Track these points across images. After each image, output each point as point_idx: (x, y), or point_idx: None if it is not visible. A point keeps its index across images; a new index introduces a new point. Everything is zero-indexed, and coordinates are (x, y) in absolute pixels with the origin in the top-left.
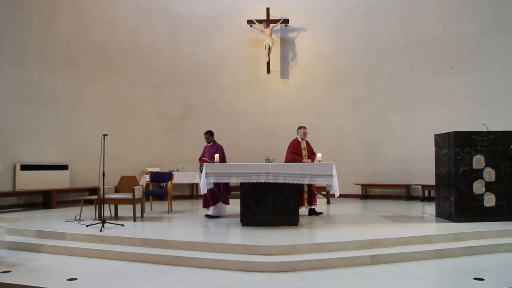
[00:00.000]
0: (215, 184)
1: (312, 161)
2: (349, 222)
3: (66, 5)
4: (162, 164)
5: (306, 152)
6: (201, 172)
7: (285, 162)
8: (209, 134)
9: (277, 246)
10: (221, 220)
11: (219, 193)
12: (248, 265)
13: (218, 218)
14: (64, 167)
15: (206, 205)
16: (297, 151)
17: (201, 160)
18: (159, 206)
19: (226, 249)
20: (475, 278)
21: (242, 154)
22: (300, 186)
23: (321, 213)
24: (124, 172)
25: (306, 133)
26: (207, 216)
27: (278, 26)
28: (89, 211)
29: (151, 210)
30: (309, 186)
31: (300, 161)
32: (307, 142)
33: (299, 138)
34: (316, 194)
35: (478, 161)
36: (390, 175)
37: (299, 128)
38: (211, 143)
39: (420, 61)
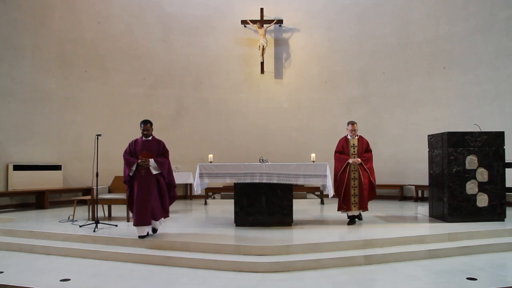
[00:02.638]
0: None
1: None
2: (343, 222)
3: (59, 4)
4: None
5: (356, 150)
6: (128, 176)
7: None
8: (150, 125)
9: (271, 246)
10: (215, 220)
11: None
12: (241, 265)
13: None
14: (57, 167)
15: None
16: (343, 150)
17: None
18: None
19: (220, 250)
20: (468, 278)
21: (235, 155)
22: (345, 184)
23: (361, 218)
24: (117, 172)
25: (355, 129)
26: (141, 237)
27: (272, 26)
28: (82, 212)
29: None
30: (363, 183)
31: (346, 160)
32: (360, 140)
33: (348, 136)
34: (371, 195)
35: (471, 161)
36: (384, 175)
37: (347, 124)
38: (149, 137)
39: (413, 62)
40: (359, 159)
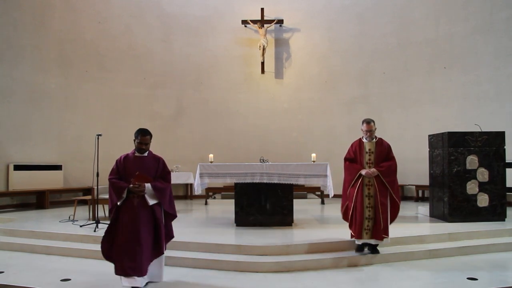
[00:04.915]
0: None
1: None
2: (343, 222)
3: (59, 4)
4: None
5: (372, 157)
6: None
7: None
8: (150, 137)
9: (271, 246)
10: (215, 220)
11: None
12: (242, 265)
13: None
14: (57, 167)
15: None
16: (355, 157)
17: (135, 178)
18: None
19: (220, 249)
20: (468, 278)
21: (235, 155)
22: (354, 203)
23: (376, 250)
24: None
25: (371, 130)
26: None
27: (272, 26)
28: (82, 212)
29: None
30: (379, 203)
31: (358, 170)
32: (379, 144)
33: (363, 138)
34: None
35: (472, 161)
36: None
37: (362, 122)
38: (145, 153)
39: (413, 62)
40: (375, 170)
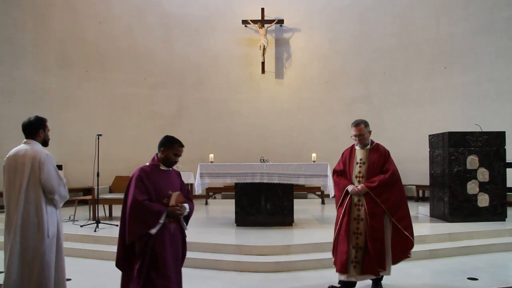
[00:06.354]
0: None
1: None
2: None
3: (60, 4)
4: None
5: (363, 169)
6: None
7: None
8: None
9: (271, 246)
10: (215, 220)
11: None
12: (242, 265)
13: None
14: (58, 167)
15: None
16: (344, 168)
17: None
18: None
19: (220, 249)
20: (469, 278)
21: (235, 155)
22: (339, 225)
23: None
24: (118, 172)
25: (362, 134)
26: None
27: (272, 26)
28: (83, 212)
29: None
30: (370, 228)
31: (345, 186)
32: (374, 152)
33: (356, 146)
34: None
35: (472, 161)
36: None
37: (351, 126)
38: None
39: (413, 62)
40: (364, 186)
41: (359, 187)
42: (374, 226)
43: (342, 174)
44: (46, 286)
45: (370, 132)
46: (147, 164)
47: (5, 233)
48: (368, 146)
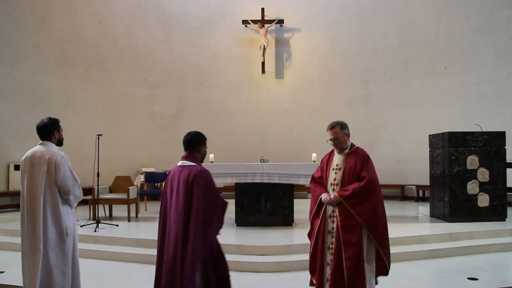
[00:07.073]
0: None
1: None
2: None
3: (60, 4)
4: (156, 164)
5: (339, 176)
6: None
7: None
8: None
9: (272, 246)
10: None
11: None
12: (242, 265)
13: None
14: None
15: None
16: (322, 175)
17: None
18: (153, 207)
19: None
20: (469, 278)
21: (235, 155)
22: (315, 238)
23: None
24: (118, 172)
25: (337, 137)
26: None
27: (273, 26)
28: (83, 212)
29: (146, 210)
30: (343, 245)
31: (319, 195)
32: (352, 156)
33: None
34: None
35: (472, 161)
36: (384, 175)
37: (326, 130)
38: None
39: (413, 62)
40: (337, 195)
41: (331, 196)
42: (348, 239)
43: (319, 181)
44: (76, 279)
45: (348, 135)
46: (200, 165)
47: (21, 232)
48: (347, 150)
